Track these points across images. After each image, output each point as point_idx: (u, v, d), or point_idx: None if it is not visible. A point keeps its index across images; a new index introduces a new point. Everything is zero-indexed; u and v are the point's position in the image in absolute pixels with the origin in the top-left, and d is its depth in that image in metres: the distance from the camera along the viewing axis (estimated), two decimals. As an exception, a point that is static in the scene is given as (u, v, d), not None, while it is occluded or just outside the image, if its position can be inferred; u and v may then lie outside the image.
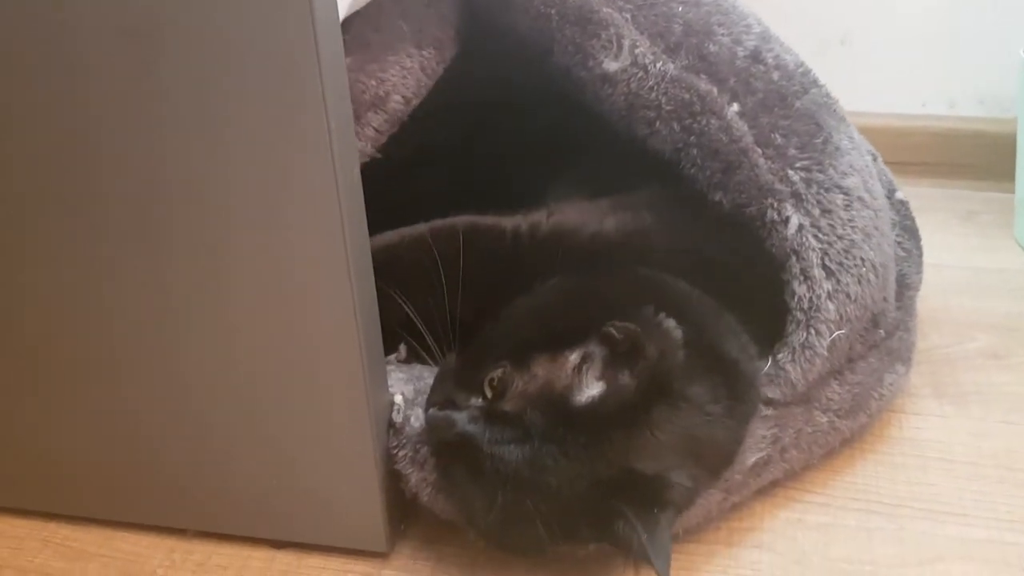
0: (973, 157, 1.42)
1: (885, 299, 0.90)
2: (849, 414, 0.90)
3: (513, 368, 0.73)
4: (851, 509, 0.90)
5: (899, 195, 1.03)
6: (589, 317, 0.74)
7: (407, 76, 0.85)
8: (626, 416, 0.71)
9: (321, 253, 0.71)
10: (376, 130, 0.83)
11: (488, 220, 0.90)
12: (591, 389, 0.72)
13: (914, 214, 1.05)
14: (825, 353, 0.85)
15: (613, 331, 0.72)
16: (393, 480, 0.82)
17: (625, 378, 0.72)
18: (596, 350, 0.73)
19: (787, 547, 0.85)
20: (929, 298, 1.09)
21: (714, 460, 0.78)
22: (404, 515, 0.87)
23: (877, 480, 0.93)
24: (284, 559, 0.86)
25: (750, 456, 0.84)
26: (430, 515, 0.84)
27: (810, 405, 0.87)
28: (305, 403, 0.79)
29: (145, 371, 0.80)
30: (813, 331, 0.84)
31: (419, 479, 0.81)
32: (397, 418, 0.81)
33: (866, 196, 0.87)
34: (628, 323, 0.72)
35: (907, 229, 1.02)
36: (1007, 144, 1.34)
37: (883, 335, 0.92)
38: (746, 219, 0.85)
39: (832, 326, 0.84)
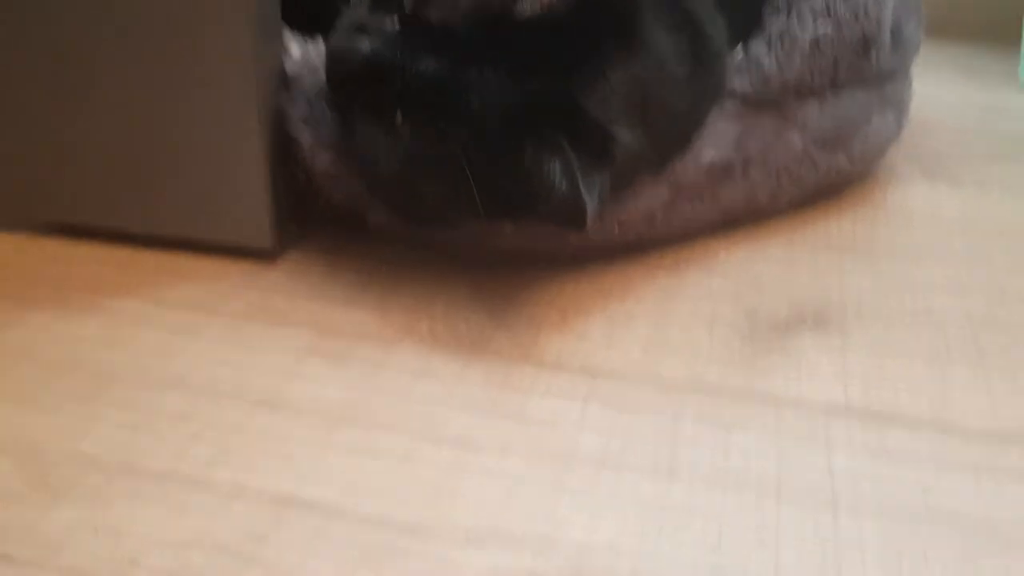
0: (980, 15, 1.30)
1: (879, 24, 0.77)
2: (828, 146, 0.78)
3: None
4: (820, 248, 0.76)
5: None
6: None
7: None
8: (577, 44, 0.61)
9: None
10: None
11: None
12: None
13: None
14: (806, 49, 0.73)
15: None
16: (284, 162, 0.71)
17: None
18: None
19: (743, 275, 0.72)
20: (927, 119, 0.96)
21: (665, 130, 0.66)
22: (298, 216, 0.75)
23: (854, 227, 0.80)
24: (156, 258, 0.74)
25: (707, 152, 0.71)
26: (325, 215, 0.74)
27: (784, 118, 0.75)
28: (183, 61, 0.68)
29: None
30: (795, 17, 0.72)
31: (313, 142, 0.69)
32: (292, 69, 0.69)
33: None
34: None
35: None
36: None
37: (874, 69, 0.79)
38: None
39: (818, 18, 0.72)
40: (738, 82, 0.73)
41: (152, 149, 0.71)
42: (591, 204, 0.59)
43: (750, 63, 0.74)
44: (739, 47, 0.75)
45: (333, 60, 0.66)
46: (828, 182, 0.81)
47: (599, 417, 0.58)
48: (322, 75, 0.68)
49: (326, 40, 0.69)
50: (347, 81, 0.65)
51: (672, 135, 0.68)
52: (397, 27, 0.63)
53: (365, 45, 0.63)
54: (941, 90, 1.13)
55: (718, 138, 0.72)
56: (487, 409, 0.58)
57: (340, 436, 0.56)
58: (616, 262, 0.73)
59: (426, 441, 0.56)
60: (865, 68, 0.80)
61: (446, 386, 0.60)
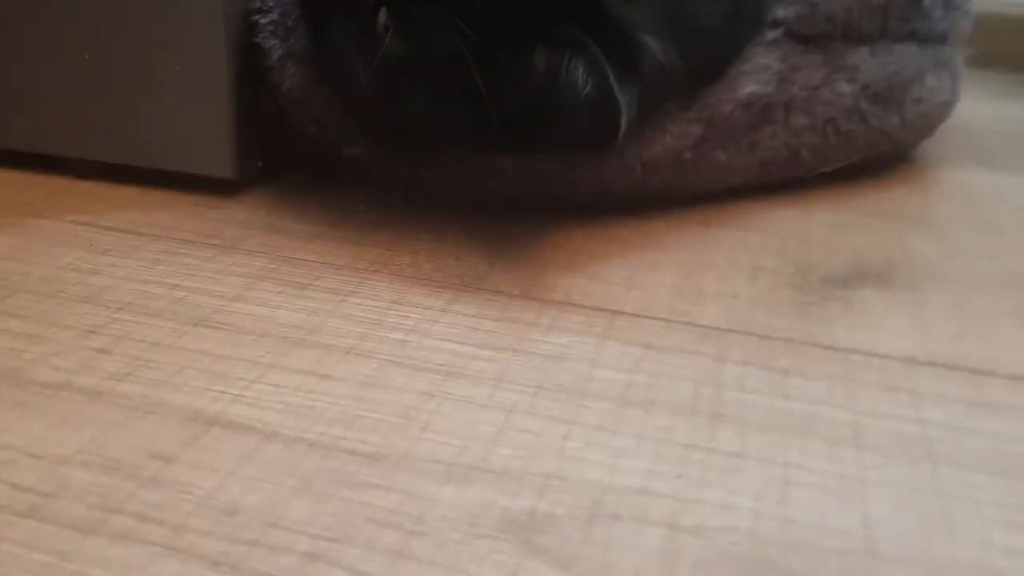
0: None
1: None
2: (881, 101, 0.67)
3: None
4: (873, 215, 0.65)
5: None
6: None
7: None
8: None
9: None
10: None
11: None
12: None
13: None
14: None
15: None
16: (251, 84, 0.61)
17: None
18: None
19: (787, 233, 0.61)
20: (971, 124, 0.86)
21: (698, 45, 0.56)
22: (265, 153, 0.64)
23: (908, 200, 0.69)
24: (96, 187, 0.63)
25: (746, 84, 0.60)
26: (296, 151, 0.64)
27: (831, 63, 0.65)
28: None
29: None
30: (839, -63, 0.62)
31: (282, 54, 0.58)
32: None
33: None
34: None
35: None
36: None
37: (925, 25, 0.69)
38: None
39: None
40: (783, 11, 0.63)
41: (106, 67, 0.61)
42: (624, 111, 0.48)
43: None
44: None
45: None
46: (878, 150, 0.70)
47: (619, 354, 0.46)
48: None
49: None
50: None
51: (706, 51, 0.58)
52: None
53: None
54: (980, 104, 1.03)
55: (759, 72, 0.62)
56: (477, 340, 0.46)
57: (290, 359, 0.44)
58: (636, 216, 0.62)
59: (398, 368, 0.43)
60: (915, 19, 0.70)
61: (427, 316, 0.48)
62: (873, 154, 0.70)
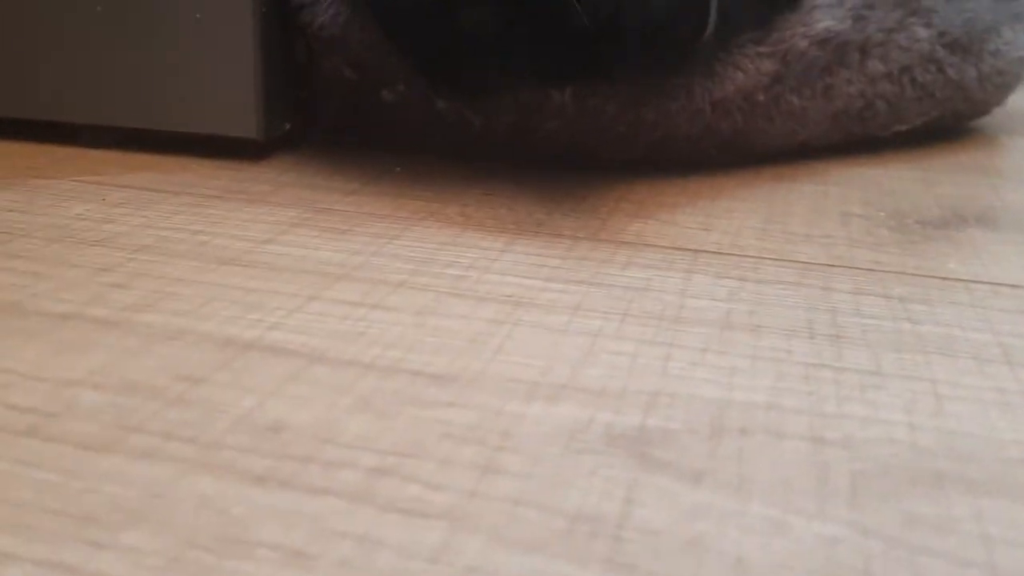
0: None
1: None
2: (958, 49, 0.62)
3: None
4: (959, 171, 0.60)
5: None
6: None
7: None
8: None
9: None
10: None
11: None
12: None
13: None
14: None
15: None
16: (280, 26, 0.55)
17: None
18: None
19: (869, 185, 0.55)
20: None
21: None
22: (295, 113, 0.59)
23: (992, 159, 0.64)
24: (108, 154, 0.58)
25: (821, 19, 0.56)
26: (328, 106, 0.59)
27: (904, 3, 0.60)
28: None
29: None
30: None
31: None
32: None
33: None
34: None
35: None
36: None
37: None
38: None
39: None
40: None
41: (117, 19, 0.56)
42: None
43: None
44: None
45: None
46: (955, 108, 0.65)
47: (710, 285, 0.40)
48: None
49: None
50: None
51: None
52: None
53: None
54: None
55: (833, 7, 0.57)
56: (545, 275, 0.40)
57: (334, 291, 0.38)
58: (701, 171, 0.56)
59: (459, 299, 0.37)
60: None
61: (485, 255, 0.42)
62: (950, 112, 0.65)
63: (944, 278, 0.41)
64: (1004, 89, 0.67)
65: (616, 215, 0.49)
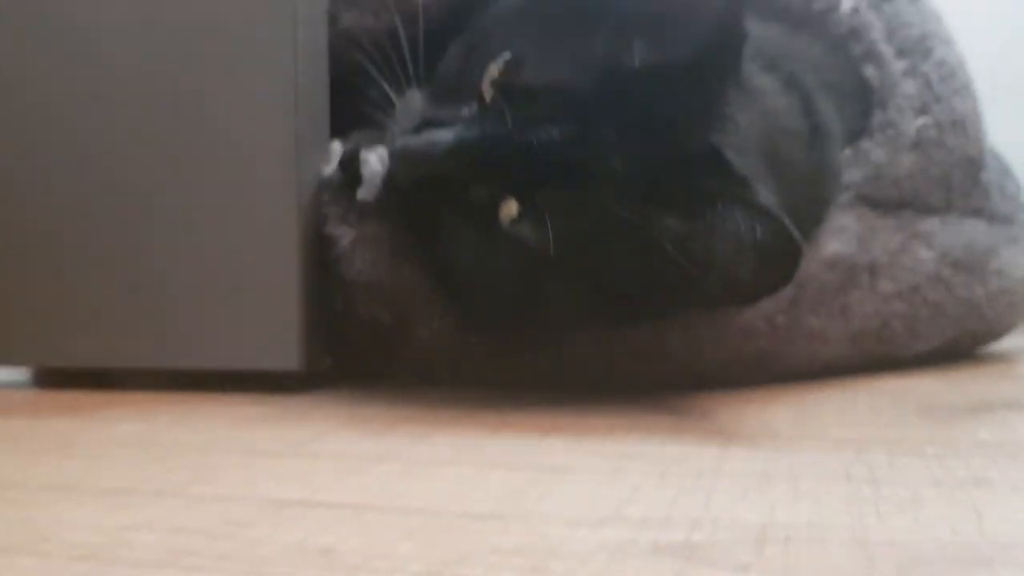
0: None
1: (980, 147, 0.70)
2: (962, 269, 0.66)
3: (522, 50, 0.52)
4: (980, 377, 0.62)
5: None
6: None
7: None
8: (696, 91, 0.50)
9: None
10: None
11: None
12: (647, 52, 0.50)
13: None
14: (912, 135, 0.64)
15: None
16: (319, 274, 0.59)
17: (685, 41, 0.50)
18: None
19: (896, 390, 0.58)
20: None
21: (795, 194, 0.54)
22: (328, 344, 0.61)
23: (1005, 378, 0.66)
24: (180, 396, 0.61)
25: (829, 244, 0.60)
26: (358, 343, 0.60)
27: (905, 229, 0.64)
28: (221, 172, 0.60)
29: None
30: (892, 108, 0.65)
31: (354, 238, 0.58)
32: (331, 171, 0.60)
33: (939, 29, 0.71)
34: None
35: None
36: None
37: (988, 207, 0.70)
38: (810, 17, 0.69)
39: (914, 104, 0.65)
40: (849, 174, 0.64)
41: (171, 269, 0.60)
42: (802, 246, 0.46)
43: (859, 155, 0.64)
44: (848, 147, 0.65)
45: (407, 162, 0.52)
46: (968, 327, 0.67)
47: (746, 453, 0.41)
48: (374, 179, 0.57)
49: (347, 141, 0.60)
50: (425, 182, 0.52)
51: (799, 204, 0.55)
52: (476, 111, 0.51)
53: (446, 135, 0.50)
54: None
55: (838, 232, 0.61)
56: (590, 449, 0.41)
57: (373, 471, 0.39)
58: (729, 388, 0.58)
59: (497, 468, 0.38)
60: (977, 196, 0.70)
61: (527, 439, 0.44)
62: (965, 332, 0.67)
63: (975, 443, 0.42)
64: (1014, 309, 0.70)
65: (658, 429, 0.50)
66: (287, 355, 0.59)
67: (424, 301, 0.58)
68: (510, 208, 0.50)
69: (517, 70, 0.51)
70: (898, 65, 0.67)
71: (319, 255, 0.59)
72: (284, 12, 0.58)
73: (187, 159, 0.60)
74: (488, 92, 0.51)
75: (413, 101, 0.56)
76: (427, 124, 0.52)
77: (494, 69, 0.51)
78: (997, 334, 0.71)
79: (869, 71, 0.67)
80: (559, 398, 0.54)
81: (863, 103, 0.66)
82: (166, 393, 0.59)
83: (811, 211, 0.59)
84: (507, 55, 0.51)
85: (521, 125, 0.49)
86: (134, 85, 0.60)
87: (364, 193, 0.56)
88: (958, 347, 0.68)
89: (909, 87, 0.66)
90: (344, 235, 0.58)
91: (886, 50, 0.67)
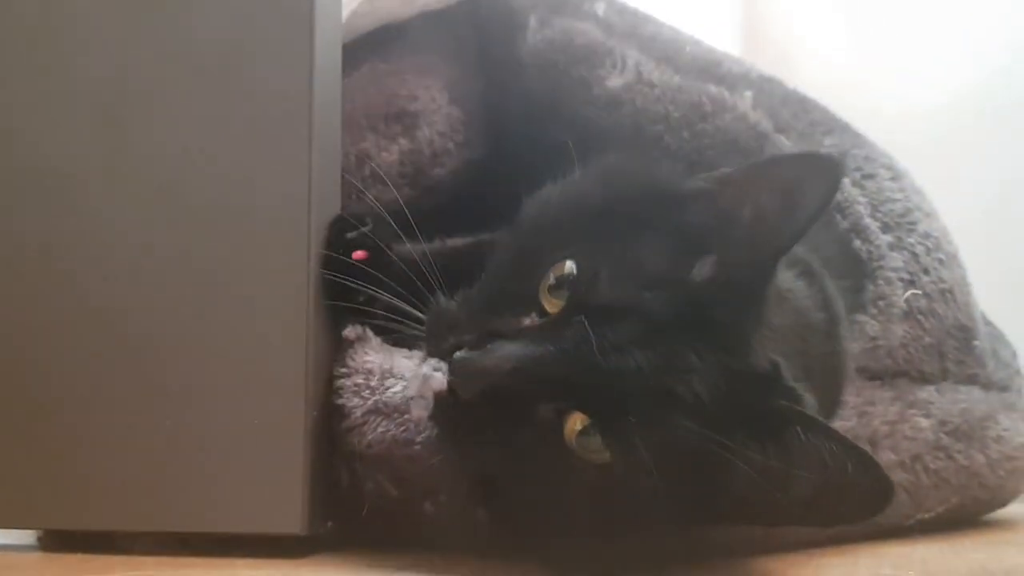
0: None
1: (971, 314, 0.73)
2: (961, 436, 0.67)
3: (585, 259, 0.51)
4: (983, 545, 0.62)
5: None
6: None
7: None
8: (747, 295, 0.50)
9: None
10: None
11: None
12: (704, 263, 0.50)
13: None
14: (903, 305, 0.67)
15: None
16: (326, 445, 0.60)
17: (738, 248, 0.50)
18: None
19: (896, 560, 0.58)
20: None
21: (824, 390, 0.55)
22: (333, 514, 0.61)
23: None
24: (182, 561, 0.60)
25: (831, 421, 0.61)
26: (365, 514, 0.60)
27: (903, 400, 0.66)
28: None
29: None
30: (882, 280, 0.68)
31: (368, 409, 0.59)
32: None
33: (922, 203, 0.75)
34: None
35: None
36: None
37: (983, 374, 0.72)
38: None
39: (902, 276, 0.68)
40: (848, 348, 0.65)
41: (182, 431, 0.61)
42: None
43: (855, 329, 0.66)
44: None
45: (468, 375, 0.50)
46: (972, 495, 0.68)
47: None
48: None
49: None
50: (485, 398, 0.50)
51: (826, 389, 0.56)
52: (537, 323, 0.50)
53: (514, 350, 0.49)
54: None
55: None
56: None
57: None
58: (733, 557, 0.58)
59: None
60: (971, 363, 0.72)
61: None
62: (969, 499, 0.68)
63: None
64: (1017, 475, 0.70)
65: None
66: (290, 519, 0.59)
67: (433, 476, 0.58)
68: (575, 422, 0.48)
69: (587, 282, 0.49)
70: (884, 239, 0.70)
71: (328, 425, 0.60)
72: (297, 197, 0.61)
73: (195, 322, 0.60)
74: (548, 301, 0.50)
75: (448, 314, 0.55)
76: (489, 336, 0.50)
77: (551, 276, 0.50)
78: (1002, 501, 0.71)
79: (857, 244, 0.69)
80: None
81: (854, 277, 0.68)
82: (170, 556, 0.59)
83: (832, 398, 0.59)
84: (571, 265, 0.50)
85: (604, 347, 0.47)
86: (140, 249, 0.61)
87: (418, 409, 0.56)
88: (962, 514, 0.68)
89: (896, 260, 0.69)
90: (356, 407, 0.59)
91: (871, 224, 0.70)
